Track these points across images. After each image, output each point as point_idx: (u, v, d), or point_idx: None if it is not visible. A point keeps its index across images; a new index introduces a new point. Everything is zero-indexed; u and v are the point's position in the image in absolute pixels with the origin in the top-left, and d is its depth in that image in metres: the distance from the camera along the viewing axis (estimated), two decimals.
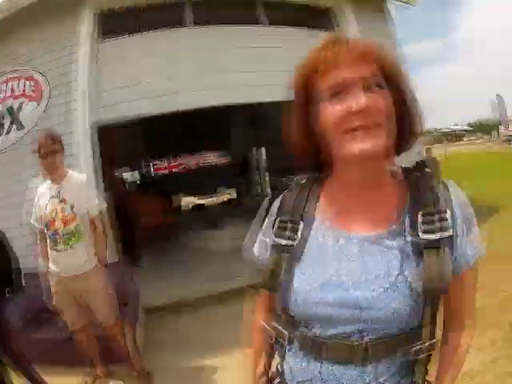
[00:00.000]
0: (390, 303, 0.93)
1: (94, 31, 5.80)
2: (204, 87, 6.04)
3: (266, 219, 1.17)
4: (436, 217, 0.93)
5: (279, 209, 1.12)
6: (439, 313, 1.02)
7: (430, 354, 0.99)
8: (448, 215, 0.93)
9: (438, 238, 0.92)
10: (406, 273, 0.93)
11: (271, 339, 1.13)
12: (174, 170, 17.52)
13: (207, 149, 17.92)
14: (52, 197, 3.46)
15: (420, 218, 0.94)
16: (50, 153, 3.38)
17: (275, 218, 1.10)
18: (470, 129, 79.48)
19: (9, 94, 5.81)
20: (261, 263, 1.13)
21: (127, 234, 7.13)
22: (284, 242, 1.04)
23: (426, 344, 0.96)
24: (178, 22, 6.30)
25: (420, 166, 1.04)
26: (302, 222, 1.04)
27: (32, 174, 5.36)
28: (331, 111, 0.93)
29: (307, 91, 0.99)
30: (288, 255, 1.03)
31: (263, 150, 17.09)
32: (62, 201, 3.44)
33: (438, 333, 1.04)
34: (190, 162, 17.96)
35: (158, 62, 6.01)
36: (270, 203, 1.18)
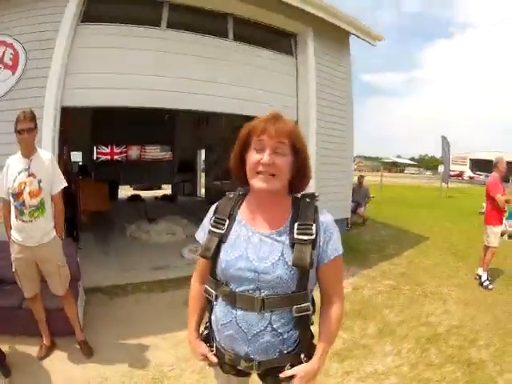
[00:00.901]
0: (275, 271, 1.59)
1: (77, 13, 5.84)
2: (162, 89, 6.33)
3: (208, 217, 1.85)
4: (306, 226, 1.62)
5: (215, 210, 1.81)
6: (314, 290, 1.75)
7: (309, 316, 1.68)
8: (313, 227, 1.61)
9: (305, 238, 1.59)
10: (284, 255, 1.60)
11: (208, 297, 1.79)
12: (115, 157, 17.39)
13: (152, 144, 18.02)
14: (22, 170, 3.62)
15: (296, 226, 1.62)
16: (27, 130, 3.56)
17: (212, 216, 1.79)
18: (412, 162, 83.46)
19: None
20: (201, 243, 1.80)
21: (68, 214, 7.18)
22: (216, 230, 1.73)
23: (302, 305, 1.62)
24: (154, 21, 6.45)
25: (303, 196, 1.74)
26: (227, 220, 1.74)
27: None
28: (252, 158, 1.63)
29: (244, 142, 1.69)
30: (217, 239, 1.71)
31: (203, 152, 17.47)
32: (31, 175, 3.62)
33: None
34: (134, 152, 17.91)
35: (128, 56, 6.16)
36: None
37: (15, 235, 3.67)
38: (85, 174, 12.99)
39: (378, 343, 4.29)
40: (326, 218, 1.69)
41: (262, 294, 1.60)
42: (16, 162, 3.69)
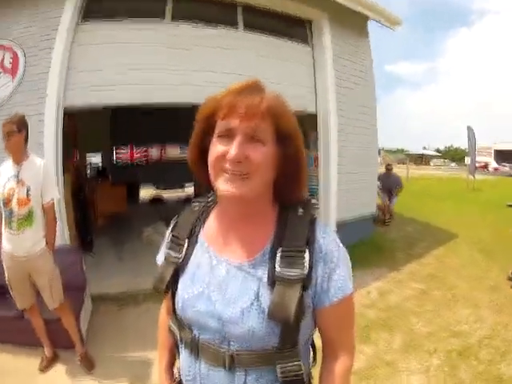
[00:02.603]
0: (246, 322, 1.06)
1: (76, 12, 5.68)
2: (175, 84, 6.03)
3: (167, 232, 1.34)
4: (293, 253, 1.07)
5: (173, 227, 1.31)
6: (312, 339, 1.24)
7: (300, 377, 1.10)
8: (306, 255, 1.07)
9: (290, 274, 1.05)
10: (261, 299, 1.06)
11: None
12: (135, 157, 17.37)
13: (172, 143, 17.88)
14: (11, 177, 3.47)
15: (278, 254, 1.07)
16: (10, 133, 3.39)
17: (169, 234, 1.30)
18: (437, 154, 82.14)
19: None
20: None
21: (82, 218, 7.06)
22: (173, 254, 1.22)
23: (289, 364, 1.08)
24: (158, 14, 6.24)
25: (295, 206, 1.18)
26: (187, 241, 1.22)
27: None
28: (215, 149, 1.09)
29: (206, 124, 1.14)
30: (173, 267, 1.20)
31: None
32: (20, 182, 3.45)
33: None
34: (154, 153, 17.86)
35: (134, 52, 5.94)
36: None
37: (5, 244, 3.56)
38: (102, 176, 12.92)
39: (403, 359, 3.92)
40: (326, 238, 1.13)
41: (232, 348, 1.10)
42: (7, 168, 3.55)
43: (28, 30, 5.51)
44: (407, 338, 4.32)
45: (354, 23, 8.05)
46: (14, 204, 3.42)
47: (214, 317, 1.10)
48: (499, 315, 4.84)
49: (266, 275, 1.08)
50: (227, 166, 1.06)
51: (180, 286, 1.19)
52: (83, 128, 9.07)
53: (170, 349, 1.43)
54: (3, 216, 3.50)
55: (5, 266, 3.61)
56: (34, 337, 3.92)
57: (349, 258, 1.18)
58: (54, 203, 3.66)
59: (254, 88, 1.12)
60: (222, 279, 1.13)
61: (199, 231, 1.24)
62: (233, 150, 1.04)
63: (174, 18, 6.29)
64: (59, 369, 3.86)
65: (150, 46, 6.01)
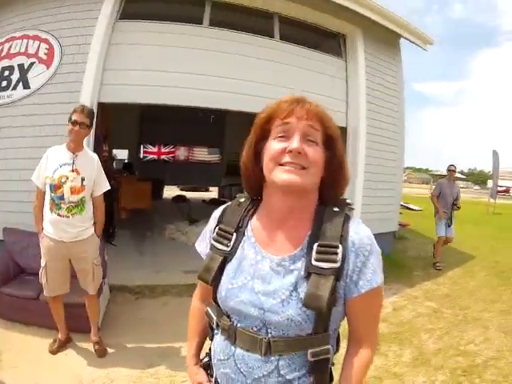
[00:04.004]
0: (285, 311, 1.18)
1: (114, 10, 5.86)
2: (208, 89, 6.16)
3: (211, 223, 1.46)
4: (328, 249, 1.18)
5: (219, 218, 1.41)
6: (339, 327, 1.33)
7: (328, 358, 1.24)
8: (339, 250, 1.17)
9: (324, 267, 1.16)
10: (298, 290, 1.19)
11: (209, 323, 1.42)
12: (162, 157, 17.56)
13: (200, 145, 18.05)
14: (65, 163, 3.55)
15: (315, 248, 1.19)
16: (80, 123, 3.51)
17: (216, 225, 1.40)
18: (461, 176, 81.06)
19: (23, 50, 5.75)
20: (203, 258, 1.42)
21: (107, 209, 7.21)
22: (220, 246, 1.33)
23: (320, 348, 1.21)
24: (196, 20, 6.35)
25: (330, 205, 1.30)
26: (235, 234, 1.33)
27: (24, 134, 5.53)
28: (274, 146, 1.24)
29: (262, 130, 1.31)
30: (221, 258, 1.31)
31: None
32: (75, 171, 3.54)
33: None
34: (181, 153, 18.02)
35: (169, 53, 6.09)
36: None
37: (48, 228, 3.60)
38: (129, 171, 13.12)
39: (411, 372, 3.94)
40: (359, 233, 1.24)
41: (269, 336, 1.22)
42: (58, 153, 3.63)
43: (66, 23, 5.69)
44: (416, 352, 4.33)
45: (387, 40, 8.08)
46: (65, 190, 3.48)
47: (256, 306, 1.22)
48: (507, 338, 4.83)
49: (304, 268, 1.20)
50: (286, 159, 1.20)
51: (224, 276, 1.30)
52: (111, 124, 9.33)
53: (199, 335, 1.58)
54: (48, 199, 3.57)
55: (43, 251, 3.63)
56: (47, 318, 3.96)
57: (381, 255, 1.27)
58: (103, 195, 3.82)
59: (303, 99, 1.28)
60: (266, 273, 1.25)
61: (246, 225, 1.35)
62: (294, 143, 1.20)
63: (212, 23, 6.42)
64: (71, 352, 3.93)
65: (186, 50, 6.16)
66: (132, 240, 8.54)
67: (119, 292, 5.38)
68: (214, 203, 15.45)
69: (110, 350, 3.98)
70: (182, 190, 19.47)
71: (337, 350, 1.34)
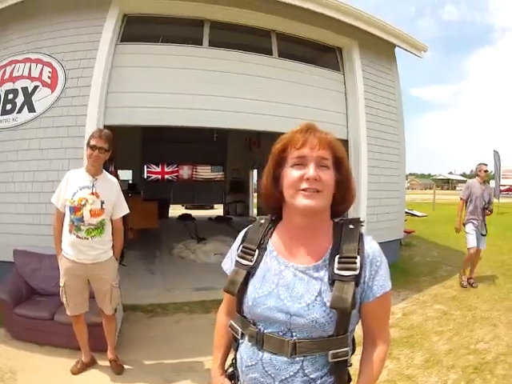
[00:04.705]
0: (310, 314, 1.34)
1: (115, 33, 5.98)
2: (209, 109, 6.28)
3: (236, 243, 1.63)
4: (348, 259, 1.37)
5: (243, 238, 1.60)
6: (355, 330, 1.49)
7: (347, 360, 1.40)
8: (358, 260, 1.36)
9: (346, 274, 1.34)
10: (322, 295, 1.35)
11: (234, 334, 1.56)
12: (166, 176, 17.68)
13: (203, 163, 18.19)
14: (84, 186, 3.63)
15: (336, 259, 1.37)
16: (99, 148, 3.60)
17: (240, 244, 1.58)
18: (463, 179, 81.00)
19: (26, 74, 5.81)
20: (228, 274, 1.58)
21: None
22: (244, 262, 1.50)
23: (340, 350, 1.37)
24: (195, 40, 6.49)
25: (346, 222, 1.49)
26: (257, 250, 1.51)
27: (31, 157, 5.59)
28: (292, 174, 1.41)
29: (279, 158, 1.47)
30: (245, 272, 1.48)
31: (255, 171, 17.42)
32: (94, 194, 3.61)
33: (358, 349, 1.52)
34: (185, 172, 18.14)
35: (171, 74, 6.21)
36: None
37: (67, 250, 3.66)
38: (134, 191, 13.23)
39: (423, 373, 4.00)
40: (372, 247, 1.44)
41: (294, 338, 1.37)
42: (78, 176, 3.71)
43: (68, 46, 5.81)
44: (428, 354, 4.39)
45: (383, 50, 8.23)
46: (85, 212, 3.55)
47: (282, 311, 1.38)
48: None
49: (327, 276, 1.38)
50: (304, 185, 1.38)
51: (250, 287, 1.46)
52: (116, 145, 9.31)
53: (224, 347, 1.70)
54: (67, 221, 3.63)
55: (62, 272, 3.69)
56: (60, 338, 4.07)
57: (387, 264, 1.47)
58: (121, 218, 3.88)
59: (313, 127, 1.46)
60: (290, 281, 1.41)
61: (268, 242, 1.53)
62: (311, 171, 1.37)
63: (211, 44, 6.56)
64: (88, 371, 3.97)
65: (188, 70, 6.30)
66: (141, 259, 8.64)
67: (132, 311, 5.44)
68: (221, 220, 15.54)
69: (126, 367, 4.03)
70: (186, 208, 19.62)
71: (353, 352, 1.48)
